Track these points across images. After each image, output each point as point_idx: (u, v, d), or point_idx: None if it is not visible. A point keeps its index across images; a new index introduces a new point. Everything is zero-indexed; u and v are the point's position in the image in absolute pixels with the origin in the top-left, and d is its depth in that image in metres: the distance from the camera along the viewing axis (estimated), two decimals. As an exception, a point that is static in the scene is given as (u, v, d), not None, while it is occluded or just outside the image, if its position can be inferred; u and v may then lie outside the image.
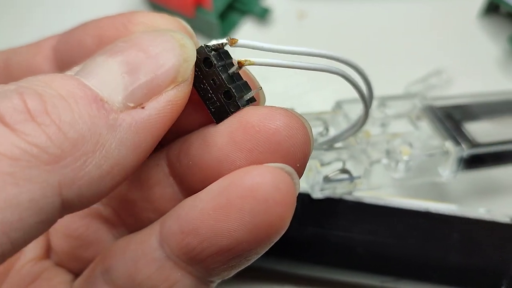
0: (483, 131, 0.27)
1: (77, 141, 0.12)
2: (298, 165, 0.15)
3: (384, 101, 0.26)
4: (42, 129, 0.12)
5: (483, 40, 0.38)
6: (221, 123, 0.15)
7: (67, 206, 0.13)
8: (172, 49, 0.14)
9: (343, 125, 0.25)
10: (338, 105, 0.25)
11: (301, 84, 0.35)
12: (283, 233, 0.14)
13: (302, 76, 0.35)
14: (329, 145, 0.23)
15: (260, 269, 0.26)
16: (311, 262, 0.24)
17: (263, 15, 0.38)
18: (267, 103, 0.17)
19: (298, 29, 0.38)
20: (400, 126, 0.26)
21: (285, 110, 0.15)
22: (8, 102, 0.12)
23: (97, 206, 0.19)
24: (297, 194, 0.14)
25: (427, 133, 0.26)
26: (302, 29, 0.38)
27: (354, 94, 0.19)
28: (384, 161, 0.24)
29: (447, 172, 0.25)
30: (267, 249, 0.15)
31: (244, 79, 0.16)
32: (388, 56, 0.37)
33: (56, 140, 0.12)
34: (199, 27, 0.36)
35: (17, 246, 0.12)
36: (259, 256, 0.15)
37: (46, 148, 0.12)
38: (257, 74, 0.17)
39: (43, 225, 0.12)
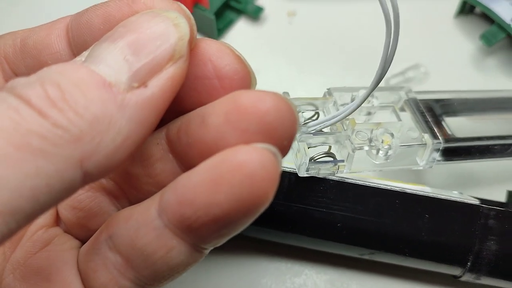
0: (461, 126, 0.29)
1: (92, 122, 0.14)
2: (285, 143, 0.16)
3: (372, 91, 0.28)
4: (63, 113, 0.14)
5: (459, 38, 0.40)
6: (217, 104, 0.17)
7: (87, 176, 0.15)
8: (166, 28, 0.16)
9: (333, 111, 0.27)
10: (329, 92, 0.27)
11: (292, 76, 0.37)
12: (267, 205, 0.16)
13: (291, 69, 0.38)
14: (318, 129, 0.25)
15: (250, 239, 0.29)
16: (296, 233, 0.26)
17: (256, 13, 0.40)
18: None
19: (288, 26, 0.41)
20: (385, 116, 0.28)
21: (275, 93, 0.16)
22: (33, 91, 0.14)
23: (100, 181, 0.20)
24: (280, 171, 0.16)
25: (408, 125, 0.28)
26: (291, 26, 0.41)
27: (342, 84, 0.21)
28: (366, 148, 0.26)
29: (424, 162, 0.27)
30: (253, 220, 0.16)
31: (238, 62, 0.18)
32: (370, 52, 0.39)
33: (75, 122, 0.14)
34: (196, 23, 0.39)
35: (45, 208, 0.14)
36: (246, 225, 0.17)
37: (68, 129, 0.14)
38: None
39: (66, 192, 0.14)
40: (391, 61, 0.22)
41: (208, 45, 0.18)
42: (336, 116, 0.25)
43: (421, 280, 0.29)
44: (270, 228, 0.27)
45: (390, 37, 0.21)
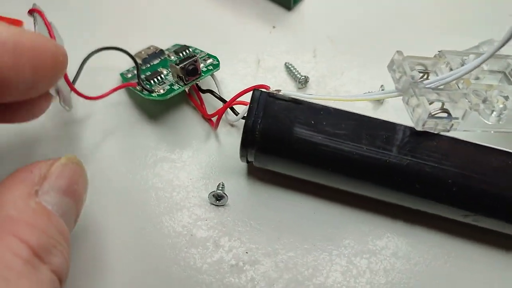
0: None
1: None
2: None
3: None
4: None
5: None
6: None
7: None
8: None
9: (445, 71, 0.27)
10: (441, 54, 0.27)
11: (365, 44, 0.38)
12: None
13: (366, 38, 0.39)
14: (436, 86, 0.25)
15: (357, 195, 0.29)
16: (406, 190, 0.26)
17: None
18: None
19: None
20: (493, 82, 0.28)
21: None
22: None
23: None
24: None
25: (520, 90, 0.28)
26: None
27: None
28: (481, 106, 0.26)
29: (535, 128, 0.27)
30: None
31: None
32: (444, 29, 0.40)
33: None
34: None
35: None
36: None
37: None
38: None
39: None
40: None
41: None
42: (456, 73, 0.25)
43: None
44: (383, 183, 0.27)
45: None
